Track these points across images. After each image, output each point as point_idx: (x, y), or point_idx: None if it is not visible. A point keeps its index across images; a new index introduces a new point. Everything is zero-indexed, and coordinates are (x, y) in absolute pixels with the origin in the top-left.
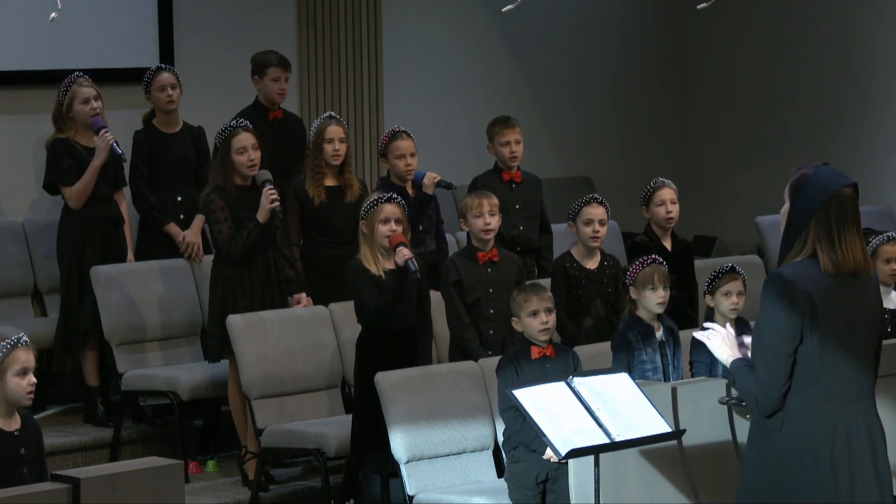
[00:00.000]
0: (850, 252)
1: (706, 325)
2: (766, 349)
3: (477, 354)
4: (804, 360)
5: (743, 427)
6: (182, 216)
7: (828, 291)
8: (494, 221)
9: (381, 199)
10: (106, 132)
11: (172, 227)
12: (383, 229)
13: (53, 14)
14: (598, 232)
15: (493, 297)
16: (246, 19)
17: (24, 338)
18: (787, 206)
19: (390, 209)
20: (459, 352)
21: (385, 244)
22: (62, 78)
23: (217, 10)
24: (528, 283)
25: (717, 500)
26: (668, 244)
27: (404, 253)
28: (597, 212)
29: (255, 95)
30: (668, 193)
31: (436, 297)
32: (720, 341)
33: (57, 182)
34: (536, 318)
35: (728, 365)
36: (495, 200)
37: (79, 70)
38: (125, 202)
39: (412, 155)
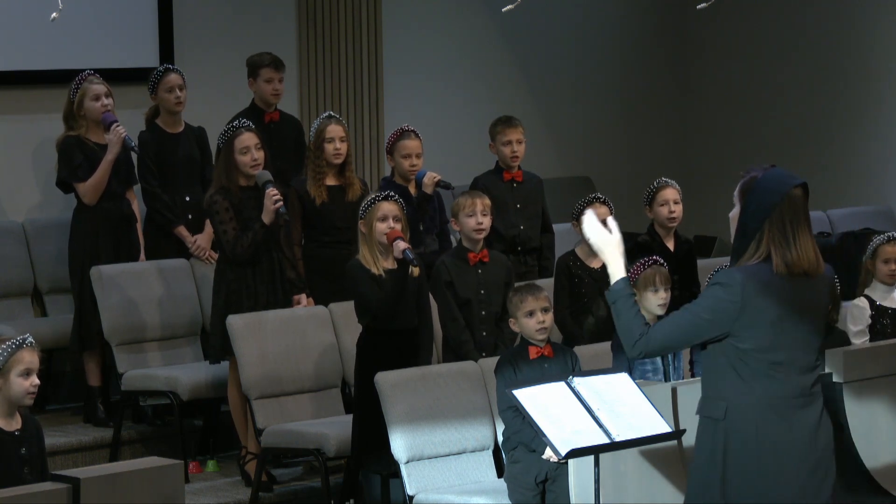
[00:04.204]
0: (803, 252)
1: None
2: (689, 314)
3: (471, 357)
4: (752, 358)
5: None
6: (191, 216)
7: (779, 292)
8: (486, 221)
9: (378, 197)
10: (118, 126)
11: (182, 230)
12: (381, 227)
13: (54, 14)
14: None
15: (483, 298)
16: (246, 19)
17: (30, 339)
18: (736, 210)
19: (388, 207)
20: (454, 354)
21: (383, 241)
22: (62, 78)
23: (217, 10)
24: (523, 283)
25: None
26: (670, 244)
27: (401, 245)
28: (600, 212)
29: (252, 98)
30: (671, 193)
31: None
32: (612, 242)
33: (70, 178)
34: (533, 318)
35: (615, 279)
36: (488, 201)
37: (78, 69)
38: (136, 200)
39: (418, 155)
